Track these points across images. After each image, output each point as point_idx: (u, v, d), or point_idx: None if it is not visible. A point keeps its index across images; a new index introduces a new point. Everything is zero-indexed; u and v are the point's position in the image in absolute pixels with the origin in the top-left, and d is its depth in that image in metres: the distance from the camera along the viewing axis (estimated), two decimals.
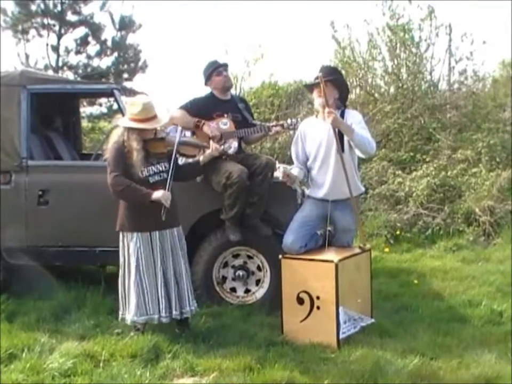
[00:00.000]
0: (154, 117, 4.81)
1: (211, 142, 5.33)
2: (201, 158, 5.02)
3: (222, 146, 5.34)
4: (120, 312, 4.95)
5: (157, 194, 4.63)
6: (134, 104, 4.80)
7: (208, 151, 5.07)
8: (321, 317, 4.85)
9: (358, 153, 5.15)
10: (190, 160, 5.35)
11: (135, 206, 4.80)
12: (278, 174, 5.26)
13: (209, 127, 5.55)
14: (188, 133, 5.64)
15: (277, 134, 6.68)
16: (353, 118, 5.17)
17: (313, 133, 5.24)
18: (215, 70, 5.77)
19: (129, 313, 4.85)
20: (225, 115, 5.69)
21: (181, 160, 5.32)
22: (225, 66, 5.88)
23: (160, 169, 4.84)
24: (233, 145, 5.60)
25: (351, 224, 5.29)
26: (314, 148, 5.21)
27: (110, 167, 4.72)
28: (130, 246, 4.81)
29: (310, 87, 5.36)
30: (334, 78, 5.08)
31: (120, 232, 4.89)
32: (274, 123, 5.95)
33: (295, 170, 5.28)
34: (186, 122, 5.57)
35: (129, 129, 4.76)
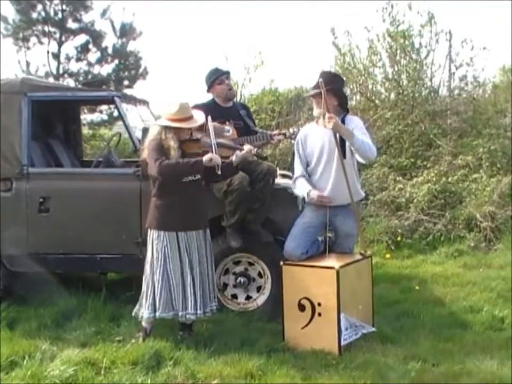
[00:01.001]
0: (190, 117, 4.91)
1: (245, 144, 5.33)
2: (233, 158, 5.05)
3: (256, 148, 5.35)
4: (136, 308, 5.02)
5: (207, 156, 4.72)
6: (171, 105, 4.88)
7: (242, 152, 5.10)
8: (323, 324, 4.84)
9: (358, 158, 5.15)
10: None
11: (164, 205, 4.88)
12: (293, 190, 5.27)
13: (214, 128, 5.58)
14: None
15: (279, 142, 6.69)
16: (354, 123, 5.17)
17: (314, 139, 5.24)
18: (217, 79, 5.78)
19: (155, 309, 4.88)
20: (227, 122, 5.70)
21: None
22: (227, 74, 5.90)
23: None
24: (235, 152, 5.60)
25: (352, 229, 5.29)
26: (315, 153, 5.21)
27: (154, 156, 4.74)
28: (156, 244, 4.87)
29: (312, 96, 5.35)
30: (331, 88, 5.07)
31: (149, 229, 4.96)
32: (277, 132, 5.96)
33: (304, 183, 5.26)
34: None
35: (167, 129, 4.84)
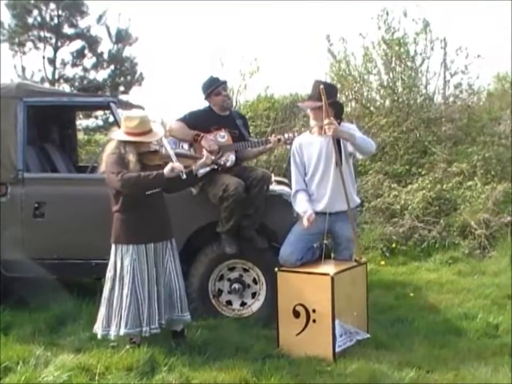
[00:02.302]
0: (150, 131, 4.84)
1: (204, 151, 5.33)
2: (193, 167, 5.03)
3: (215, 157, 5.33)
4: (101, 328, 4.85)
5: (167, 168, 4.64)
6: (130, 118, 4.81)
7: (200, 160, 5.08)
8: (317, 330, 4.84)
9: (359, 155, 5.24)
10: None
11: (129, 219, 4.82)
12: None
13: (208, 141, 5.57)
14: (186, 145, 5.65)
15: (274, 147, 6.69)
16: (348, 126, 5.26)
17: (310, 149, 5.24)
18: (214, 90, 5.77)
19: (120, 326, 4.77)
20: (223, 130, 5.70)
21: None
22: (224, 84, 5.88)
23: None
24: (230, 158, 5.62)
25: (353, 234, 5.29)
26: (312, 162, 5.21)
27: (114, 169, 4.67)
28: (125, 259, 4.80)
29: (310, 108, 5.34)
30: (331, 102, 5.08)
31: (114, 245, 4.88)
32: (272, 136, 5.96)
33: (303, 201, 5.25)
34: (185, 135, 5.60)
35: (126, 143, 4.78)
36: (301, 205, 5.23)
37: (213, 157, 5.16)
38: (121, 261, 4.82)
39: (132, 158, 4.73)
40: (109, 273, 4.88)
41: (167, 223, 4.94)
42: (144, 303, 4.78)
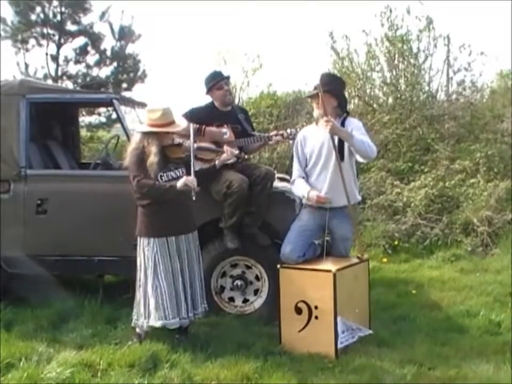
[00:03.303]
0: (173, 122, 4.93)
1: (225, 146, 5.34)
2: (217, 162, 5.07)
3: (237, 151, 5.34)
4: (134, 317, 4.98)
5: (181, 181, 4.70)
6: (153, 110, 4.90)
7: (224, 155, 5.11)
8: (319, 327, 4.85)
9: (359, 158, 5.17)
10: (206, 165, 5.38)
11: (151, 212, 4.89)
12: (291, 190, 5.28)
13: (213, 132, 5.58)
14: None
15: (277, 144, 6.70)
16: (353, 124, 5.19)
17: (313, 141, 5.23)
18: (216, 84, 5.77)
19: (149, 317, 4.87)
20: (225, 125, 5.70)
21: (198, 165, 5.33)
22: (226, 79, 5.89)
23: (178, 174, 4.92)
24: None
25: (348, 232, 5.29)
26: (314, 155, 5.21)
27: (133, 172, 4.81)
28: (147, 251, 4.87)
29: (310, 98, 5.39)
30: (329, 89, 5.08)
31: (138, 237, 4.96)
32: (274, 132, 5.96)
33: (303, 184, 5.26)
34: (188, 130, 5.58)
35: (149, 135, 4.85)
36: (301, 188, 5.23)
37: (236, 152, 5.18)
38: (143, 253, 4.91)
39: (153, 149, 4.79)
40: (138, 264, 4.97)
41: (190, 216, 5.01)
42: (167, 296, 4.83)
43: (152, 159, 4.76)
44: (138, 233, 4.97)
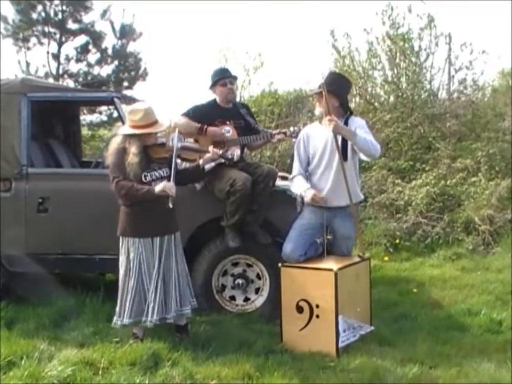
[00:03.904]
0: (155, 122, 4.86)
1: (210, 146, 5.33)
2: (200, 161, 5.05)
3: (221, 150, 5.33)
4: (115, 317, 4.92)
5: (159, 187, 4.66)
6: (134, 111, 4.84)
7: (207, 155, 5.09)
8: (321, 326, 4.85)
9: (362, 156, 5.16)
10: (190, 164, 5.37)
11: (136, 212, 4.84)
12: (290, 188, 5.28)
13: (214, 131, 5.58)
14: (191, 140, 5.65)
15: (279, 142, 6.71)
16: (357, 123, 5.18)
17: (317, 139, 5.23)
18: (221, 80, 5.77)
19: (124, 316, 4.83)
20: (228, 122, 5.70)
21: (182, 165, 5.34)
22: (232, 78, 5.89)
23: (162, 174, 4.87)
24: (235, 153, 5.60)
25: (350, 231, 5.29)
26: (317, 154, 5.21)
27: (112, 173, 4.77)
28: (131, 251, 4.83)
29: (313, 95, 5.39)
30: (332, 89, 5.07)
31: (121, 237, 4.91)
32: (277, 131, 5.96)
33: (302, 182, 5.25)
34: (190, 129, 5.58)
35: (131, 136, 4.80)
36: (299, 185, 5.23)
37: (219, 152, 5.16)
38: (127, 254, 4.86)
39: (134, 150, 4.74)
40: (120, 266, 4.92)
41: (173, 217, 4.94)
42: (149, 296, 4.81)
43: (132, 159, 4.71)
44: (122, 233, 4.90)
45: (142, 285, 4.82)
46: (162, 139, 5.05)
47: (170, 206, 4.65)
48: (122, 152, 4.78)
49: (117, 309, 4.91)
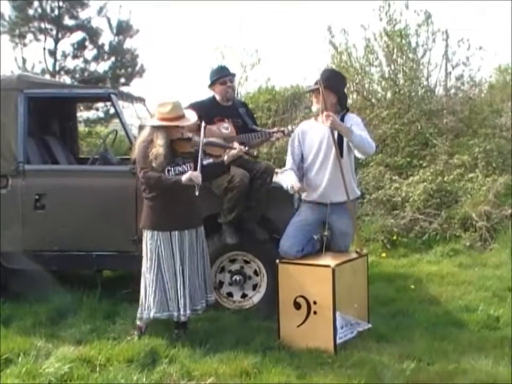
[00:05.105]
0: (183, 116, 4.93)
1: (236, 143, 5.33)
2: (225, 157, 5.07)
3: (246, 147, 5.32)
4: (140, 309, 4.97)
5: (186, 175, 4.71)
6: (163, 104, 4.89)
7: (232, 151, 5.10)
8: (318, 322, 4.85)
9: (357, 154, 5.16)
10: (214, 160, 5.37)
11: (157, 206, 4.90)
12: (279, 181, 5.26)
13: (212, 131, 5.57)
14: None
15: (277, 140, 6.72)
16: (353, 120, 5.18)
17: (313, 136, 5.23)
18: (220, 78, 5.78)
19: (150, 309, 4.89)
20: (226, 120, 5.70)
21: (206, 160, 5.33)
22: (231, 76, 5.90)
23: (186, 169, 4.91)
24: (227, 151, 5.58)
25: (348, 227, 5.28)
26: (313, 150, 5.21)
27: (140, 164, 4.84)
28: (149, 244, 4.89)
29: (310, 92, 5.39)
30: (329, 84, 5.07)
31: (143, 230, 4.98)
32: (275, 129, 5.97)
33: (289, 175, 5.24)
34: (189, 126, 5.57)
35: (158, 128, 4.86)
36: (287, 179, 5.20)
37: (245, 149, 5.18)
38: (146, 246, 4.92)
39: (160, 141, 4.81)
40: (143, 257, 4.98)
41: (195, 212, 5.01)
42: (170, 289, 4.86)
43: (157, 150, 4.77)
44: (143, 226, 4.98)
45: (162, 279, 4.87)
46: (188, 134, 5.07)
47: (197, 193, 4.69)
48: (149, 144, 4.84)
49: (141, 301, 4.96)
